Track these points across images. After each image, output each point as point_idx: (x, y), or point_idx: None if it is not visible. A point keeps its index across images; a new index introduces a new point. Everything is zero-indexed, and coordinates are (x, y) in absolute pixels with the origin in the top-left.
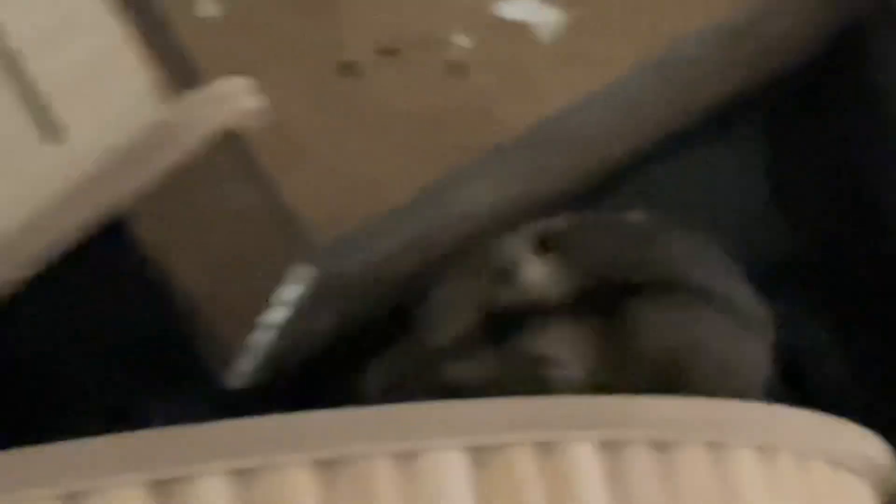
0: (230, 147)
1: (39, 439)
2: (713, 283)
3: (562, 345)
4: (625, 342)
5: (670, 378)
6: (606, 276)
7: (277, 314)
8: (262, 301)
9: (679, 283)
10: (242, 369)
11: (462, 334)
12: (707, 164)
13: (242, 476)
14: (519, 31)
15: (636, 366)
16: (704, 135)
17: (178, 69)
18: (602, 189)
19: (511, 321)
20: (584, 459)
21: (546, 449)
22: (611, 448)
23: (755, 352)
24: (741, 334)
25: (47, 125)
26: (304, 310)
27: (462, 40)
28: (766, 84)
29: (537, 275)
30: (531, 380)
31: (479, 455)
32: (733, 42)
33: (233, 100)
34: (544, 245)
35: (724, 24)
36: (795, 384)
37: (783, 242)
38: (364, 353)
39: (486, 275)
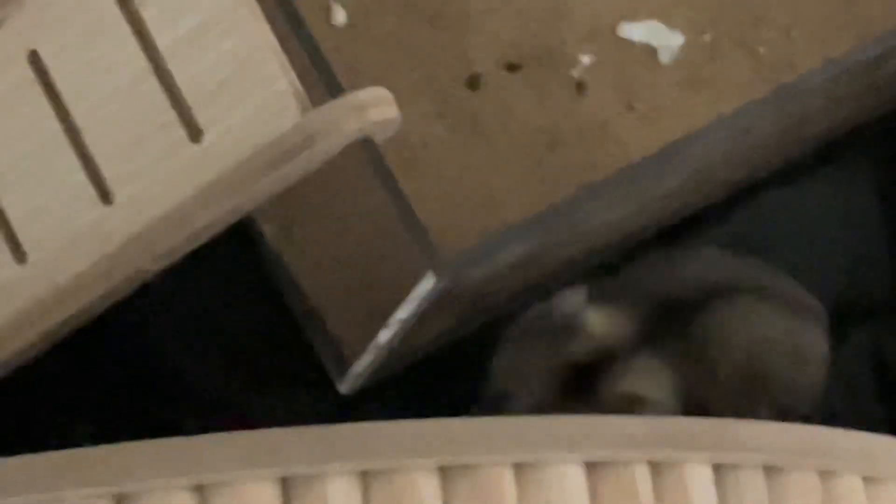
0: (360, 154)
1: (156, 432)
2: (765, 283)
3: (647, 379)
4: (703, 356)
5: (754, 373)
6: (666, 303)
7: (395, 320)
8: (381, 308)
9: (735, 289)
10: (357, 372)
11: (546, 395)
12: (819, 193)
13: (367, 477)
14: (641, 52)
15: (720, 373)
16: (818, 165)
17: (316, 76)
18: (714, 215)
19: (592, 370)
20: (700, 479)
21: (661, 467)
22: (724, 470)
23: (815, 336)
24: (800, 323)
25: (189, 125)
26: (420, 319)
27: (585, 59)
28: (883, 118)
29: (600, 320)
30: None
31: (597, 469)
32: (855, 75)
33: (372, 109)
34: (597, 292)
35: (846, 56)
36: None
37: (892, 276)
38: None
39: (551, 333)
